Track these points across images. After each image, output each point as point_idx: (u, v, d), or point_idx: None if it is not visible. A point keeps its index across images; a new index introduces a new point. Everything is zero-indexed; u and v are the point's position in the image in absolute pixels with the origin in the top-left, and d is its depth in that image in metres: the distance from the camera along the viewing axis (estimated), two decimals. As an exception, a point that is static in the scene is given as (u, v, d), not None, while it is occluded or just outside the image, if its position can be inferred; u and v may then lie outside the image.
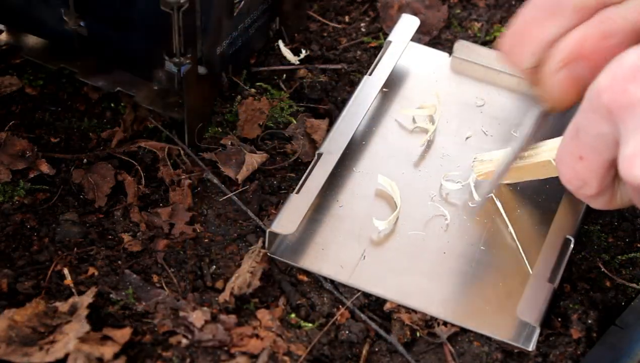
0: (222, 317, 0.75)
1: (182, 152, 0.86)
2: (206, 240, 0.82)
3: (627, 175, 0.62)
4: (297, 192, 0.80)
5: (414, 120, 0.89)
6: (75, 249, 0.80)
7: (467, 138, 0.89)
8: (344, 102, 0.91)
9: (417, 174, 0.86)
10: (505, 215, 0.83)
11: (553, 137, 0.80)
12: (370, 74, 0.90)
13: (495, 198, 0.84)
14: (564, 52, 0.76)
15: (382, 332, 0.76)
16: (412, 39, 0.94)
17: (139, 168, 0.85)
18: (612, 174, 0.67)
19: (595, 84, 0.64)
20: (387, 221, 0.81)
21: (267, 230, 0.78)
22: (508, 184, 0.85)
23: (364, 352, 0.76)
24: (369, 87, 0.89)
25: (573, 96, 0.77)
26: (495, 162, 0.83)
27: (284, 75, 0.94)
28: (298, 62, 0.95)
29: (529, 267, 0.80)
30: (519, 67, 0.80)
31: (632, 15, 0.76)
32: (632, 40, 0.76)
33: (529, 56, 0.78)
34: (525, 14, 0.78)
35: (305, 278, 0.80)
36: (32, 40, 0.91)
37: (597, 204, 0.71)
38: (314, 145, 0.88)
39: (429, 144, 0.88)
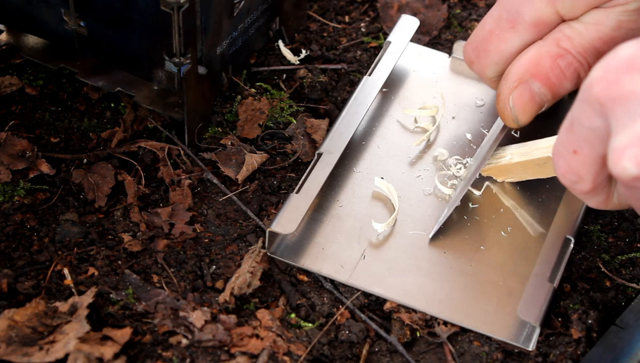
0: (222, 317, 0.75)
1: (182, 152, 0.86)
2: (206, 240, 0.82)
3: (614, 168, 0.60)
4: (297, 192, 0.80)
5: (415, 121, 0.89)
6: (75, 249, 0.80)
7: (467, 138, 0.89)
8: (344, 102, 0.91)
9: (417, 173, 0.86)
10: (504, 215, 0.83)
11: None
12: (370, 74, 0.90)
13: (499, 196, 0.84)
14: (519, 71, 0.77)
15: (382, 332, 0.76)
16: (412, 39, 0.94)
17: (139, 168, 0.85)
18: (607, 171, 0.65)
19: (589, 76, 0.63)
20: (385, 223, 0.81)
21: (267, 230, 0.78)
22: (509, 183, 0.85)
23: (364, 352, 0.76)
24: (369, 87, 0.89)
25: (529, 113, 0.79)
26: (498, 158, 0.83)
27: (284, 75, 0.94)
28: (298, 62, 0.95)
29: (524, 262, 0.80)
30: (484, 76, 0.81)
31: (589, 34, 0.76)
32: (591, 58, 0.76)
33: (494, 66, 0.80)
34: (486, 26, 0.80)
35: (305, 278, 0.80)
36: (32, 40, 0.91)
37: (593, 203, 0.70)
38: (314, 145, 0.88)
39: (429, 144, 0.88)
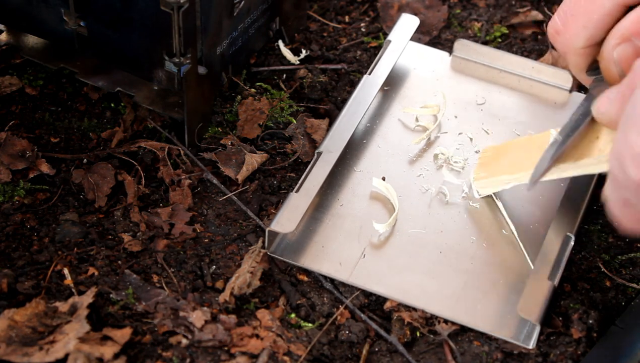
0: (222, 317, 0.75)
1: (182, 152, 0.86)
2: (206, 240, 0.82)
3: None
4: (297, 191, 0.80)
5: (417, 120, 0.89)
6: (75, 249, 0.80)
7: (467, 136, 0.89)
8: (344, 102, 0.91)
9: (417, 172, 0.86)
10: (505, 213, 0.83)
11: None
12: (369, 74, 0.90)
13: (495, 197, 0.84)
14: (621, 30, 0.75)
15: (382, 332, 0.76)
16: (412, 39, 0.94)
17: (139, 168, 0.85)
18: None
19: None
20: (386, 224, 0.81)
21: (267, 229, 0.78)
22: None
23: (364, 351, 0.76)
24: (369, 87, 0.89)
25: None
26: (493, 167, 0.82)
27: (284, 75, 0.94)
28: (298, 62, 0.95)
29: (530, 263, 0.80)
30: (571, 47, 0.78)
31: None
32: None
33: (583, 31, 0.76)
34: None
35: (305, 278, 0.80)
36: (32, 40, 0.91)
37: None
38: (314, 145, 0.88)
39: (430, 143, 0.88)
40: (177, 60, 0.80)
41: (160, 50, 0.81)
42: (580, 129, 0.76)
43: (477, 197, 0.84)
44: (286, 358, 0.74)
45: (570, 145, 0.76)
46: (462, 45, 0.94)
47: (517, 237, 0.81)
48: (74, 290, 0.77)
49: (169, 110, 0.87)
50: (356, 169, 0.86)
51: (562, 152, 0.76)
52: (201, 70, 0.84)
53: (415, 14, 0.98)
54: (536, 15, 1.00)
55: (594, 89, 0.77)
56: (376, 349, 0.76)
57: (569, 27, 0.77)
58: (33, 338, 0.72)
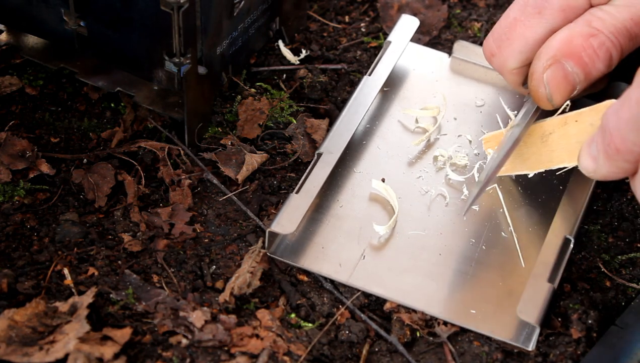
0: (222, 317, 0.75)
1: (182, 152, 0.86)
2: (206, 240, 0.82)
3: None
4: (297, 192, 0.80)
5: (416, 121, 0.89)
6: (75, 249, 0.80)
7: (467, 138, 0.89)
8: (344, 102, 0.91)
9: (417, 173, 0.86)
10: (507, 213, 0.83)
11: None
12: (370, 74, 0.90)
13: (499, 194, 0.84)
14: (551, 51, 0.76)
15: (382, 332, 0.76)
16: (412, 39, 0.94)
17: (139, 168, 0.85)
18: None
19: None
20: (387, 226, 0.81)
21: (267, 230, 0.78)
22: (509, 183, 0.85)
23: (364, 352, 0.76)
24: (369, 87, 0.89)
25: (563, 93, 0.78)
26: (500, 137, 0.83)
27: (284, 75, 0.94)
28: (298, 62, 0.95)
29: (522, 261, 0.80)
30: (505, 68, 0.81)
31: (621, 14, 0.76)
32: (622, 38, 0.76)
33: (517, 55, 0.79)
34: (511, 15, 0.79)
35: (305, 278, 0.80)
36: (32, 40, 0.91)
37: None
38: (314, 145, 0.88)
39: (429, 144, 0.88)
40: (177, 60, 0.80)
41: (160, 50, 0.81)
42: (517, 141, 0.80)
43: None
44: (286, 358, 0.74)
45: (564, 136, 0.78)
46: (462, 47, 0.94)
47: (515, 239, 0.81)
48: (74, 290, 0.77)
49: (169, 110, 0.87)
50: (356, 170, 0.86)
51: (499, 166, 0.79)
52: (201, 70, 0.84)
53: (415, 14, 0.98)
54: (536, 15, 1.00)
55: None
56: (376, 349, 0.76)
57: (502, 50, 0.80)
58: (33, 338, 0.72)
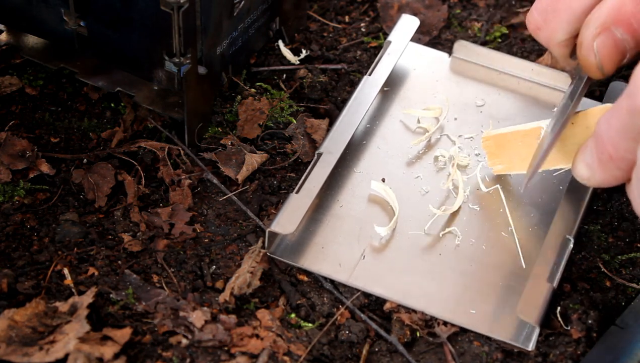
0: (222, 317, 0.75)
1: (182, 152, 0.86)
2: (206, 240, 0.82)
3: None
4: (297, 192, 0.80)
5: (418, 121, 0.89)
6: (75, 249, 0.80)
7: (467, 138, 0.89)
8: (344, 102, 0.91)
9: (417, 173, 0.86)
10: (508, 213, 0.83)
11: None
12: (370, 74, 0.90)
13: (500, 193, 0.84)
14: (601, 18, 0.75)
15: (382, 332, 0.76)
16: (412, 39, 0.94)
17: (139, 168, 0.85)
18: None
19: None
20: (388, 227, 0.81)
21: (267, 230, 0.78)
22: (509, 184, 0.85)
23: (364, 352, 0.76)
24: (369, 87, 0.89)
25: (614, 61, 0.76)
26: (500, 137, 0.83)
27: (284, 75, 0.94)
28: (298, 62, 0.95)
29: (522, 261, 0.80)
30: (553, 41, 0.78)
31: None
32: None
33: (565, 26, 0.77)
34: None
35: (305, 278, 0.80)
36: (32, 40, 0.91)
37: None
38: (314, 145, 0.88)
39: (430, 145, 0.88)
40: (177, 60, 0.80)
41: (160, 50, 0.81)
42: (568, 117, 0.77)
43: (484, 190, 0.84)
44: (286, 358, 0.74)
45: (560, 139, 0.77)
46: (462, 47, 0.94)
47: (515, 239, 0.81)
48: (74, 290, 0.77)
49: (169, 110, 0.87)
50: (356, 170, 0.86)
51: (551, 146, 0.77)
52: (201, 70, 0.84)
53: (415, 14, 0.98)
54: (536, 15, 1.00)
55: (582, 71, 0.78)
56: (376, 349, 0.76)
57: (549, 23, 0.78)
58: (33, 338, 0.72)
